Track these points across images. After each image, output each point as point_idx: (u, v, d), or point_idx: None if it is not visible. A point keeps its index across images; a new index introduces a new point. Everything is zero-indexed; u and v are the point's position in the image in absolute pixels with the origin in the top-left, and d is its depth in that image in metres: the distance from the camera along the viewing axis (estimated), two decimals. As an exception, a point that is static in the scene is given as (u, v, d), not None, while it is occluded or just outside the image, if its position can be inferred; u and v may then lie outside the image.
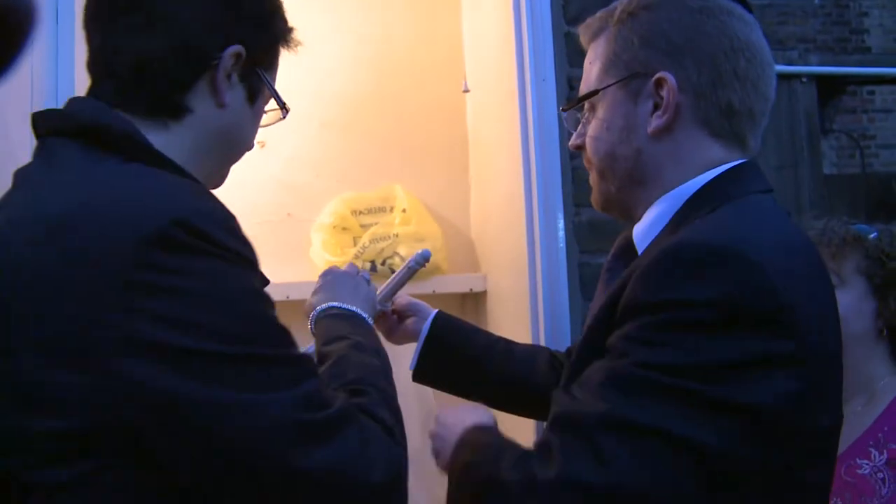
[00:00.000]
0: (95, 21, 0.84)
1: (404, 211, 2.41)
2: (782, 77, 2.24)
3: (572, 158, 1.71)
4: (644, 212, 0.91)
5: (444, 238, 2.41)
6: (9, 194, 0.78)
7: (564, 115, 0.99)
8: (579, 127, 0.97)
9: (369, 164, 2.30)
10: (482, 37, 2.12)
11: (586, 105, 0.95)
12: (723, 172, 0.86)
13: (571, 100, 0.95)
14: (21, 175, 0.79)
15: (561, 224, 1.65)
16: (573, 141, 0.97)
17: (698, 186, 0.85)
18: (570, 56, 1.76)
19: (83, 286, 0.66)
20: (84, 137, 0.76)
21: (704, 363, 0.71)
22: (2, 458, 0.68)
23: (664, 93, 0.86)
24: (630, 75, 0.89)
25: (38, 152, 0.79)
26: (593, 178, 0.96)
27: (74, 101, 0.82)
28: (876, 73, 2.94)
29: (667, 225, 0.86)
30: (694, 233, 0.79)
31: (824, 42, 4.95)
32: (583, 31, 0.97)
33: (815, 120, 2.29)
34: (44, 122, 0.81)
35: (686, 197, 0.86)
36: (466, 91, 2.27)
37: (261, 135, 0.98)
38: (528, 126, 1.63)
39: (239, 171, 0.98)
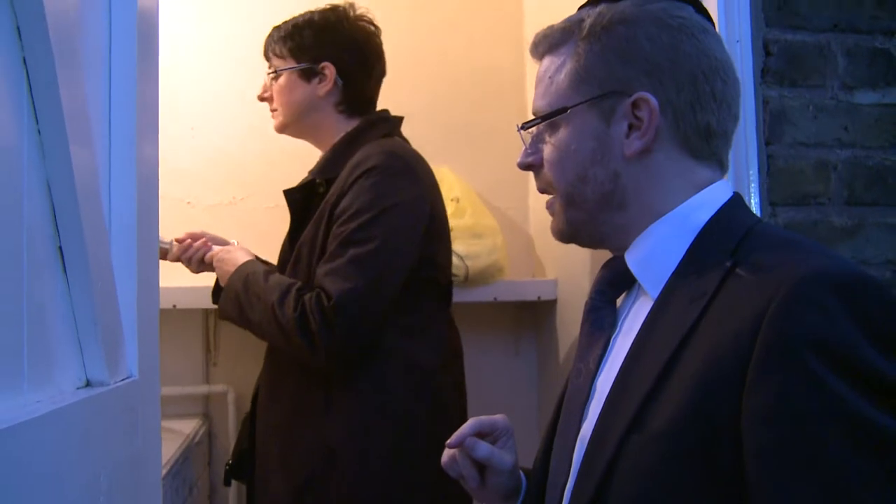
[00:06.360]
0: None
1: (457, 200, 2.04)
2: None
3: (767, 144, 1.36)
4: (628, 237, 0.88)
5: (502, 234, 2.04)
6: None
7: (520, 132, 0.93)
8: (529, 145, 0.92)
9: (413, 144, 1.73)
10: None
11: (542, 122, 0.90)
12: (729, 201, 0.86)
13: (533, 119, 0.90)
14: None
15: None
16: (524, 159, 0.92)
17: (709, 215, 0.85)
18: (766, 12, 1.39)
19: None
20: None
21: None
22: None
23: (642, 114, 0.84)
24: (603, 94, 0.86)
25: None
26: (557, 205, 0.91)
27: None
28: None
29: (687, 258, 0.83)
30: (813, 265, 0.74)
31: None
32: (538, 41, 0.92)
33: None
34: None
35: (697, 226, 0.84)
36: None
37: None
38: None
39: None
